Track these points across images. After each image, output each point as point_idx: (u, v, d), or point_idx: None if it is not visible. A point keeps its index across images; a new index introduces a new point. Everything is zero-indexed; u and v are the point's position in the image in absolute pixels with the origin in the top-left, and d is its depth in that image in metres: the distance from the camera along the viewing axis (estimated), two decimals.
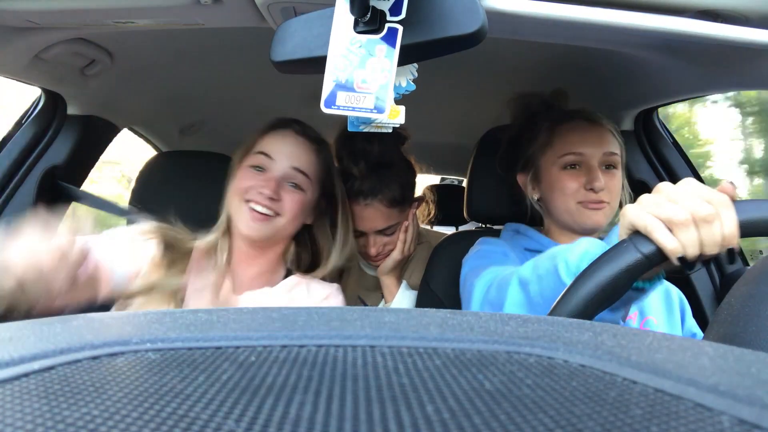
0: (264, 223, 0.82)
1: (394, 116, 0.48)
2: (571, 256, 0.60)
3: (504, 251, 0.89)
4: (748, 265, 1.16)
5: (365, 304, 1.23)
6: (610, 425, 0.14)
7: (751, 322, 0.39)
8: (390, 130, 0.53)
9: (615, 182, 0.88)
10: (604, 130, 0.90)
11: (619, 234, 0.53)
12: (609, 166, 0.88)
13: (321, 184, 0.90)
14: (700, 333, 0.87)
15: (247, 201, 0.82)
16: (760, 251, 1.26)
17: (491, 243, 0.92)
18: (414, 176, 1.15)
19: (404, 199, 1.08)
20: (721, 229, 0.47)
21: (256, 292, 0.87)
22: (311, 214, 0.91)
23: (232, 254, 0.89)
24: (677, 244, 0.46)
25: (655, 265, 0.48)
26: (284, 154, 0.85)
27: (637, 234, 0.49)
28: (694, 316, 0.91)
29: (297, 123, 0.90)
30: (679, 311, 0.89)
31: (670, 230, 0.47)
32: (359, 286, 1.24)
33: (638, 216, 0.49)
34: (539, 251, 0.91)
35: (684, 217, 0.47)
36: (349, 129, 0.52)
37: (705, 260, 0.48)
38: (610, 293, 0.47)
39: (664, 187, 0.51)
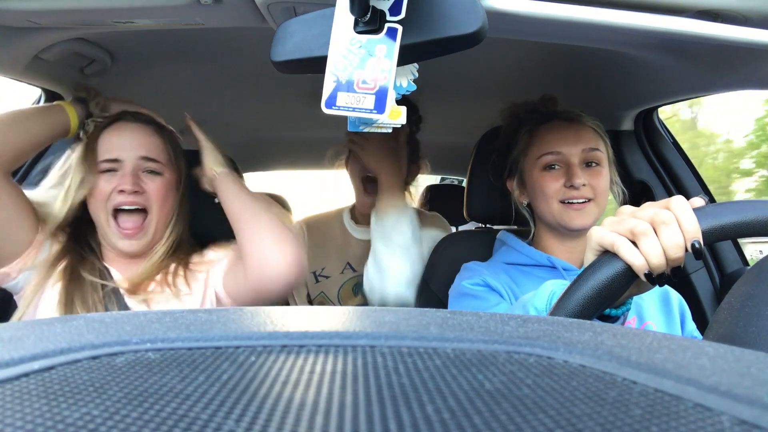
0: (137, 236, 0.83)
1: (395, 116, 0.48)
2: (539, 301, 0.62)
3: (485, 283, 0.87)
4: (748, 265, 1.16)
5: (355, 270, 1.25)
6: (610, 425, 0.14)
7: (751, 323, 0.39)
8: (390, 131, 0.53)
9: (599, 180, 0.87)
10: (584, 127, 0.89)
11: (586, 257, 0.54)
12: (591, 164, 0.88)
13: (175, 166, 0.91)
14: (700, 337, 0.87)
15: (113, 211, 0.83)
16: (760, 251, 1.26)
17: (472, 273, 0.91)
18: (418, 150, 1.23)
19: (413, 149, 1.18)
20: (680, 228, 0.48)
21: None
22: (177, 197, 0.92)
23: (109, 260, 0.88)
24: (642, 260, 0.48)
25: (628, 283, 0.49)
26: (127, 148, 0.84)
27: (605, 253, 0.51)
28: (694, 316, 0.91)
29: (128, 114, 0.90)
30: (679, 315, 0.88)
31: (635, 244, 0.49)
32: (347, 253, 1.26)
33: (603, 235, 0.51)
34: (521, 265, 0.92)
35: (644, 226, 0.49)
36: (349, 129, 0.52)
37: (674, 271, 0.49)
38: (605, 297, 0.49)
39: (624, 209, 0.54)
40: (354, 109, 0.46)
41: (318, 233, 1.30)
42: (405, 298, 1.05)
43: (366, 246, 1.25)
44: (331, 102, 0.46)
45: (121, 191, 0.81)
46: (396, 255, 1.04)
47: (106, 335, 0.22)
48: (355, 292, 1.27)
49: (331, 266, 1.27)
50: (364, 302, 1.26)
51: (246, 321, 0.25)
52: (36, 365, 0.18)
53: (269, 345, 0.21)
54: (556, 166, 0.88)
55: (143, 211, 0.84)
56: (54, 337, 0.22)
